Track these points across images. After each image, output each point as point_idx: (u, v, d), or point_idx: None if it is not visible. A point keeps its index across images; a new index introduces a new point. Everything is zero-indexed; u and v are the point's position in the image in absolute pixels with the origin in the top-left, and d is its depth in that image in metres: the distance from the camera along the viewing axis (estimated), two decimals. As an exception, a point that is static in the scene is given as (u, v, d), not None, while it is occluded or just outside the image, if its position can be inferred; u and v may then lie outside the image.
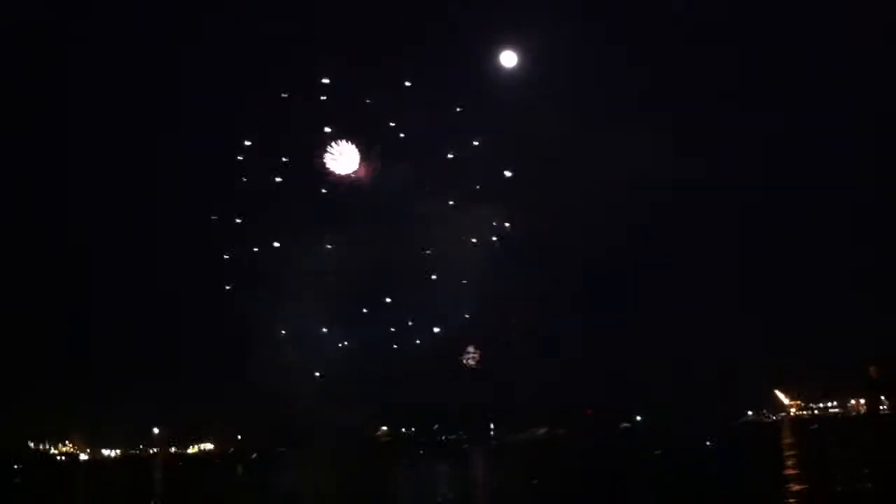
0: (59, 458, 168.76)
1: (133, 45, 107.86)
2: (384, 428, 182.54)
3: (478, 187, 67.02)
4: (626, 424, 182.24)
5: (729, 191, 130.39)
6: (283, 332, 70.27)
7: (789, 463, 51.29)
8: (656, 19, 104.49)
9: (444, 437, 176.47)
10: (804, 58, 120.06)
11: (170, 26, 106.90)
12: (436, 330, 57.70)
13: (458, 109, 66.98)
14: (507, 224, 68.02)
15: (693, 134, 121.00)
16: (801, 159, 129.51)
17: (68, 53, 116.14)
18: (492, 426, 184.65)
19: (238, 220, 66.47)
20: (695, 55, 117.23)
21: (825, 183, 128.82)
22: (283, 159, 66.00)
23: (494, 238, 68.09)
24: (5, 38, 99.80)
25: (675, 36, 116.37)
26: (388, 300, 65.26)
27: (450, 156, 65.48)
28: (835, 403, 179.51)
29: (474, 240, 67.03)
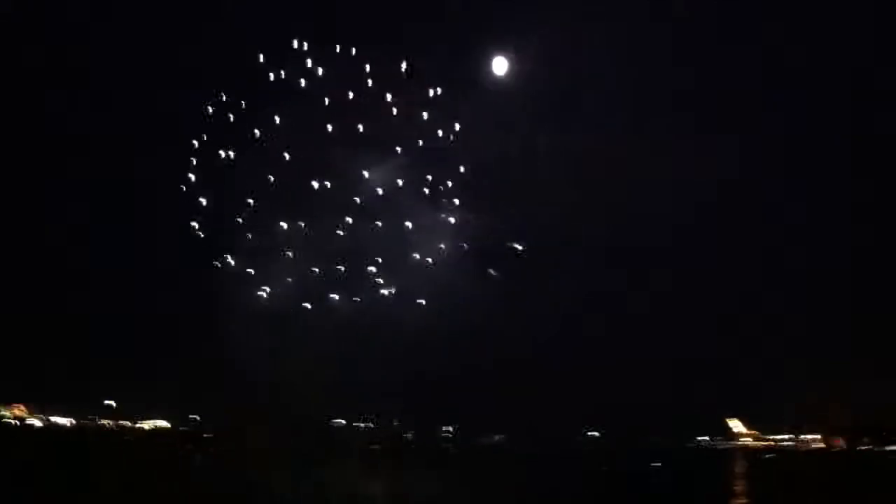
0: (11, 421, 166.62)
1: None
2: (342, 420, 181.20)
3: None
4: (579, 438, 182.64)
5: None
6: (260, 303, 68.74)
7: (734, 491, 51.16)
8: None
9: (394, 435, 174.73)
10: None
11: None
12: (421, 301, 56.87)
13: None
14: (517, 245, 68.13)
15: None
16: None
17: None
18: (449, 428, 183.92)
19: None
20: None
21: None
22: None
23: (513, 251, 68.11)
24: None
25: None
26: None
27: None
28: (790, 436, 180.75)
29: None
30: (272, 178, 65.70)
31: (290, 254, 61.34)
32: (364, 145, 66.28)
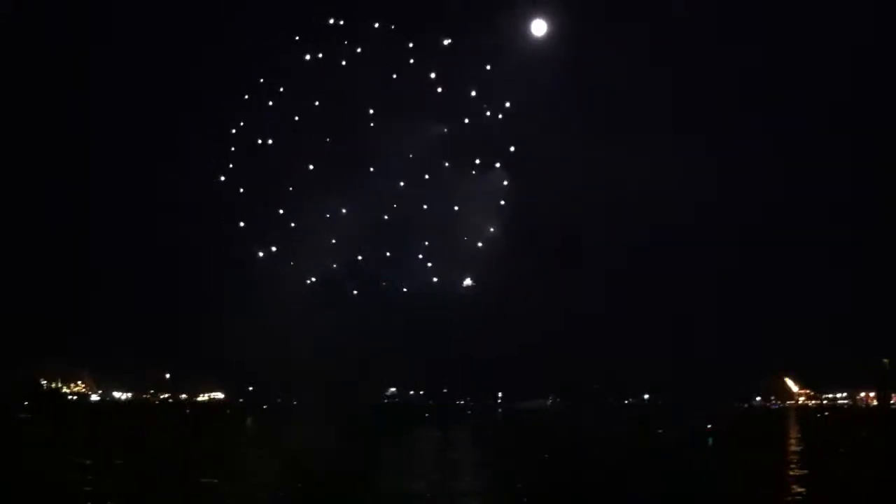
0: (69, 396, 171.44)
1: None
2: (393, 389, 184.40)
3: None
4: (630, 400, 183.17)
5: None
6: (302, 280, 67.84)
7: (788, 450, 50.93)
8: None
9: (445, 402, 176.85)
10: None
11: None
12: (467, 282, 56.35)
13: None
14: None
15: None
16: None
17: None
18: (500, 394, 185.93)
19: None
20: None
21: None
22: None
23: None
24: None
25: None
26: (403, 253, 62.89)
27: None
28: (844, 394, 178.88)
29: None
30: (311, 166, 64.47)
31: (334, 240, 60.95)
32: (408, 126, 64.75)
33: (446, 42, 63.37)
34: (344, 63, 63.32)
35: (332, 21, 63.70)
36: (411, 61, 63.51)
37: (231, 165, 64.23)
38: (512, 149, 63.02)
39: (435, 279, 55.72)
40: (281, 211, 63.36)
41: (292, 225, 63.32)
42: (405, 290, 60.11)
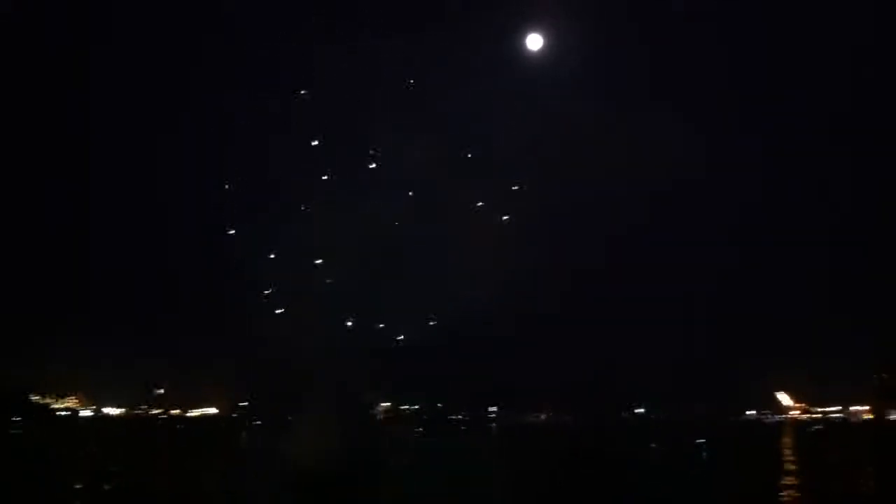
0: (60, 412, 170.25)
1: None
2: (387, 404, 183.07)
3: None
4: (625, 415, 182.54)
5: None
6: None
7: (783, 466, 50.65)
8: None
9: (439, 417, 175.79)
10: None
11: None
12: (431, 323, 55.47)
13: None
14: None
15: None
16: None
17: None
18: (494, 408, 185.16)
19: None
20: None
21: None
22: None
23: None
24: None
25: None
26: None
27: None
28: (839, 408, 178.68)
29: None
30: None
31: (330, 280, 59.69)
32: (408, 169, 63.68)
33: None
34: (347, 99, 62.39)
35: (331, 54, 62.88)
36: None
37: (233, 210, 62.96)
38: (515, 187, 62.37)
39: (432, 323, 54.85)
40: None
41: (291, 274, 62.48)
42: (401, 337, 59.02)
